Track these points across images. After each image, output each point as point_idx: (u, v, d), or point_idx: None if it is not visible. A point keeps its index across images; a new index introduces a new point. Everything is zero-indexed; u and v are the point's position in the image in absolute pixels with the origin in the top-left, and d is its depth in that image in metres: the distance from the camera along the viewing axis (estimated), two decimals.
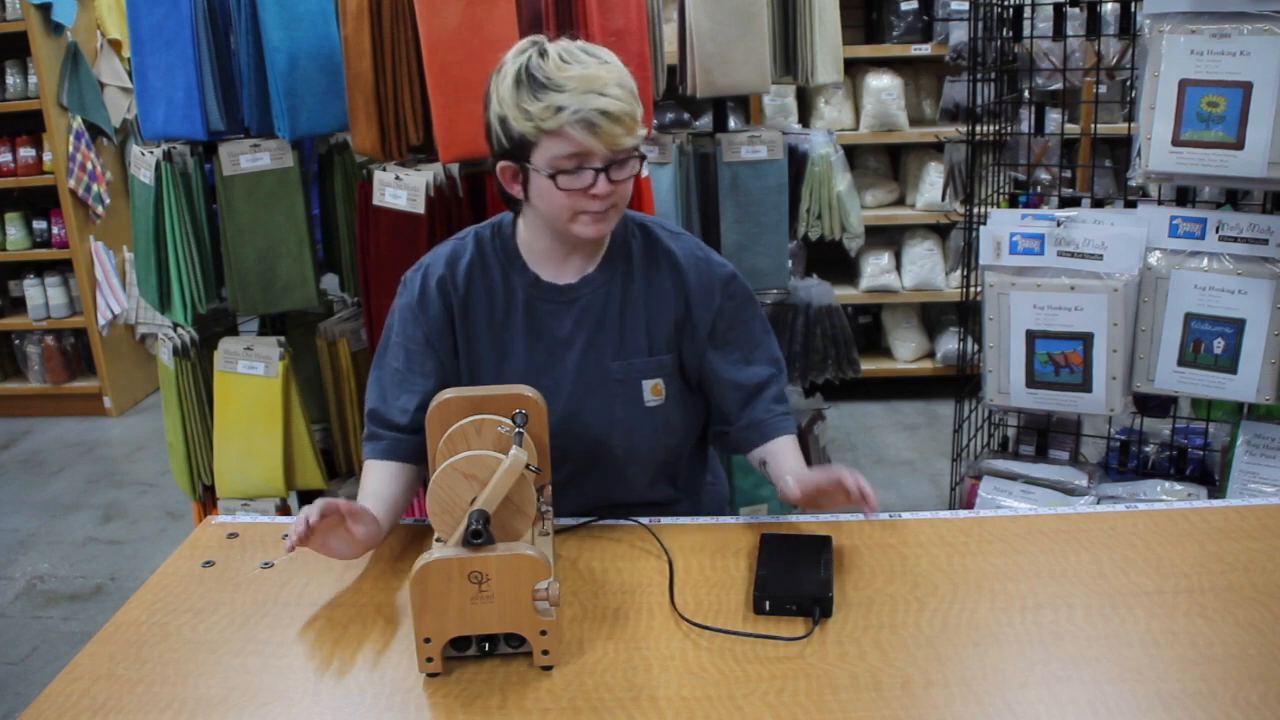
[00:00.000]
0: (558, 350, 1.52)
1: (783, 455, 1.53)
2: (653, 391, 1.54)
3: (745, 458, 1.62)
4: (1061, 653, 1.18)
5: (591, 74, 1.35)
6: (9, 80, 4.31)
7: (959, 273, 2.66)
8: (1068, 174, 2.51)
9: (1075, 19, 2.35)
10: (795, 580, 1.30)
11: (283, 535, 1.44)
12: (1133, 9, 2.25)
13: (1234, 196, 2.12)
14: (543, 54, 1.38)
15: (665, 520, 1.52)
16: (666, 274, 1.54)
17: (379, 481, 1.49)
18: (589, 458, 1.54)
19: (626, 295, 1.53)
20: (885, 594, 1.31)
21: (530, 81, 1.36)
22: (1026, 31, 2.41)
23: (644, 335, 1.53)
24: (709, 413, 1.64)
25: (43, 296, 4.48)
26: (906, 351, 4.30)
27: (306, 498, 2.50)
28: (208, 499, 2.42)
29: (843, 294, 4.08)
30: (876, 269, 4.19)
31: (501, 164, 1.45)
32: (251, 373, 2.26)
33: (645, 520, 1.51)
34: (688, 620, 1.26)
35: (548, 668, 1.17)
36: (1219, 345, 2.05)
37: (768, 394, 1.58)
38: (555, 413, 1.48)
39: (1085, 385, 2.15)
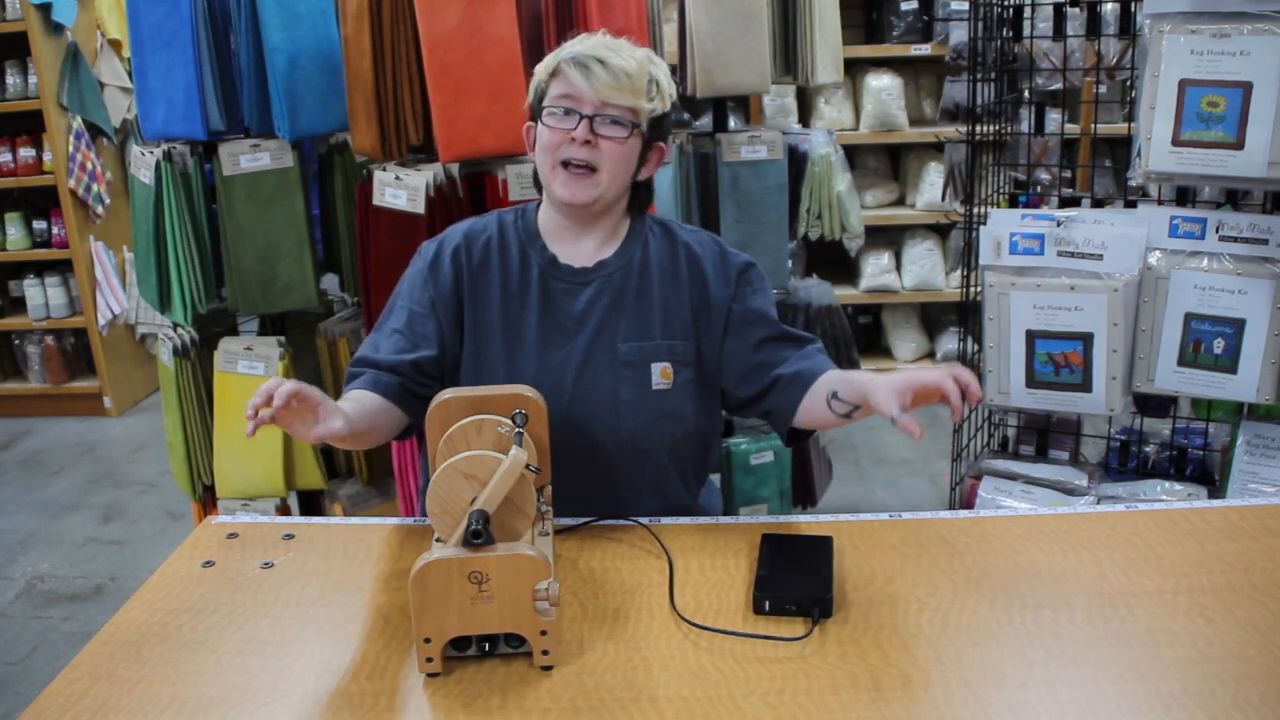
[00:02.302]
0: (569, 328, 1.54)
1: (848, 376, 1.43)
2: (661, 375, 1.54)
3: (811, 408, 1.48)
4: (1061, 653, 1.18)
5: (611, 41, 1.46)
6: (9, 80, 4.31)
7: (959, 273, 2.65)
8: (1068, 174, 2.51)
9: (1075, 19, 2.35)
10: (795, 580, 1.30)
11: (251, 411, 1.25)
12: (1133, 9, 2.25)
13: (1234, 196, 2.12)
14: (588, 34, 1.50)
15: (665, 520, 1.52)
16: (684, 264, 1.57)
17: (353, 400, 1.44)
18: (595, 442, 1.53)
19: (643, 281, 1.55)
20: (885, 594, 1.31)
21: (562, 47, 1.48)
22: (1026, 31, 2.41)
23: (658, 320, 1.54)
24: (729, 406, 1.63)
25: (43, 296, 4.48)
26: (906, 351, 4.30)
27: (306, 498, 2.50)
28: (208, 499, 2.42)
29: (843, 294, 4.08)
30: (876, 269, 4.19)
31: (526, 125, 1.54)
32: (251, 373, 2.26)
33: (645, 520, 1.51)
34: (687, 621, 1.26)
35: (548, 668, 1.17)
36: (1219, 345, 2.05)
37: (798, 353, 1.54)
38: (562, 391, 1.49)
39: (1085, 385, 2.15)
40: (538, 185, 1.57)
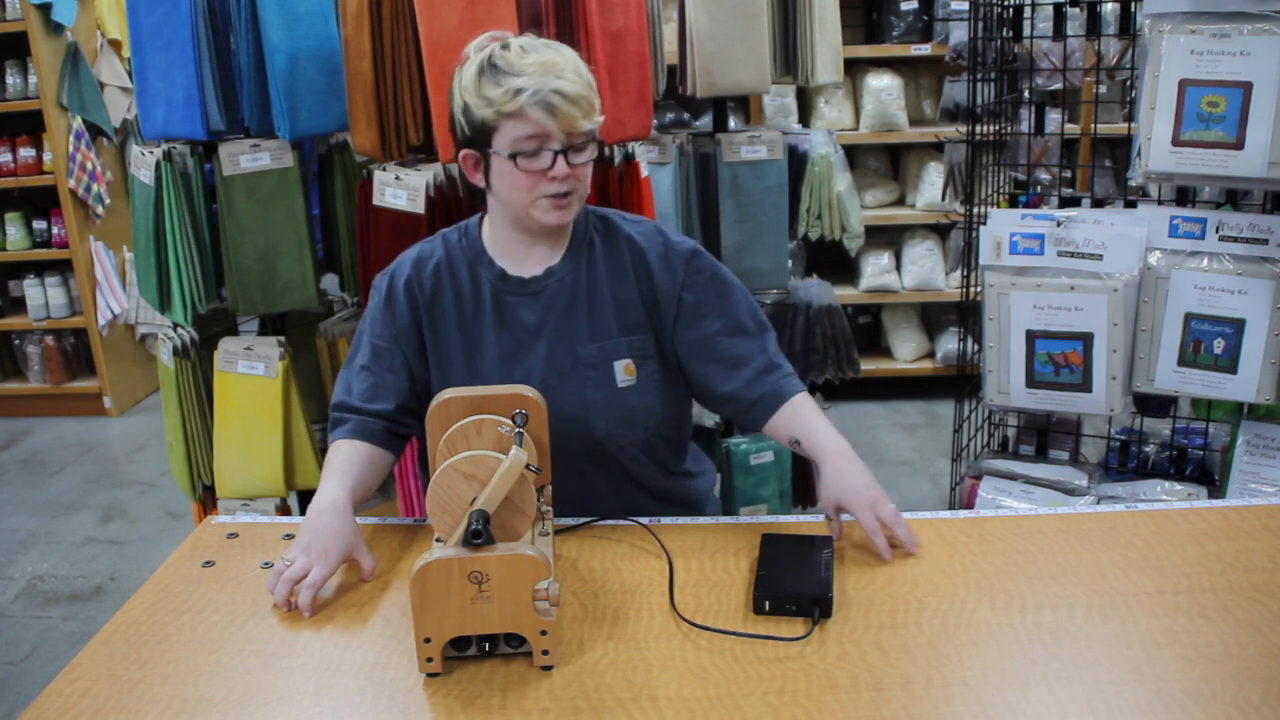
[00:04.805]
0: (527, 340, 1.55)
1: (816, 435, 1.50)
2: (625, 371, 1.55)
3: (774, 431, 1.57)
4: (1061, 653, 1.18)
5: (549, 60, 1.41)
6: (9, 80, 4.31)
7: (959, 273, 2.66)
8: (1068, 174, 2.51)
9: (1075, 19, 2.35)
10: (795, 580, 1.30)
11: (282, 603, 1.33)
12: (1133, 9, 2.25)
13: (1234, 196, 2.12)
14: (505, 46, 1.44)
15: (665, 520, 1.52)
16: (628, 256, 1.57)
17: (344, 458, 1.50)
18: (570, 445, 1.54)
19: (592, 282, 1.56)
20: (885, 594, 1.31)
21: (492, 70, 1.42)
22: (1026, 31, 2.41)
23: (612, 318, 1.55)
24: (695, 396, 1.65)
25: (43, 296, 4.48)
26: (906, 351, 4.30)
27: (306, 498, 2.50)
28: (208, 499, 2.42)
29: (843, 294, 4.08)
30: (876, 269, 4.19)
31: (464, 152, 1.50)
32: (251, 373, 2.26)
33: (645, 520, 1.51)
34: (687, 621, 1.26)
35: (548, 668, 1.17)
36: (1219, 345, 2.05)
37: (756, 363, 1.56)
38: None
39: (1085, 385, 2.15)
40: (478, 199, 1.57)
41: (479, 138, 1.45)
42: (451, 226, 1.63)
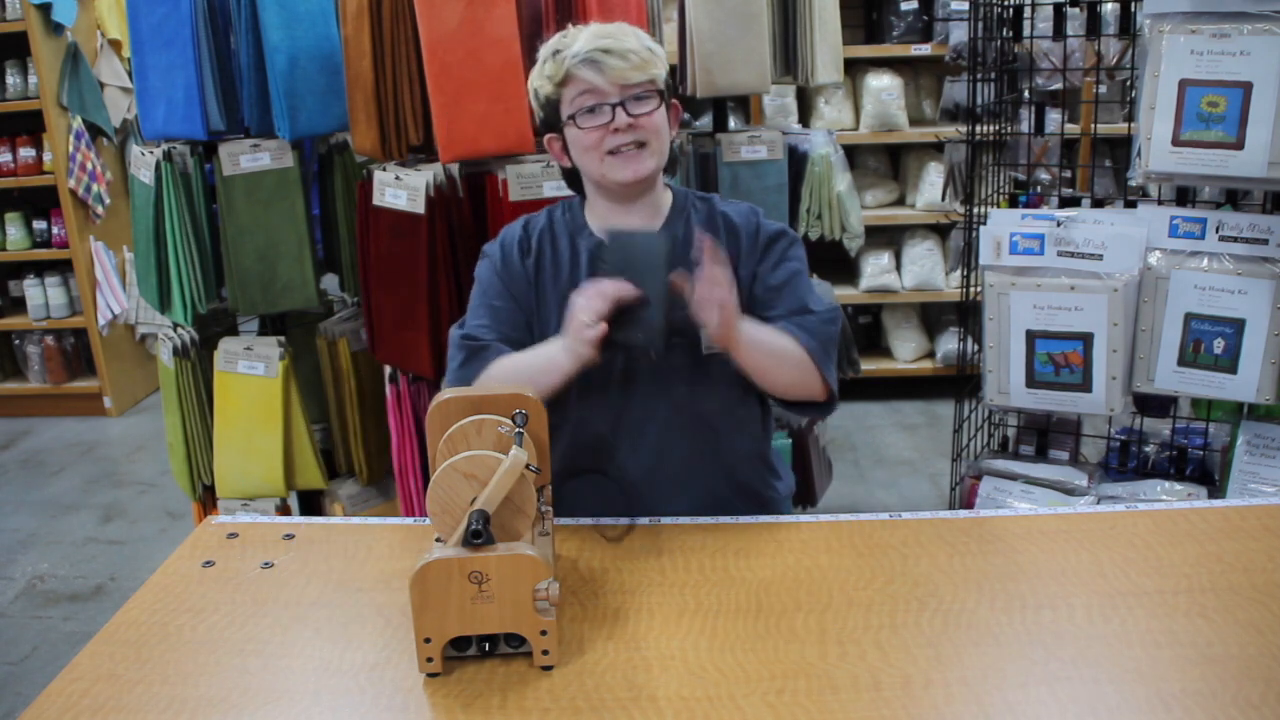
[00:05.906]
0: None
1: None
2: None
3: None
4: (1061, 653, 1.18)
5: (601, 30, 1.49)
6: (9, 80, 4.31)
7: (959, 273, 2.66)
8: (1068, 174, 2.51)
9: (1075, 19, 2.36)
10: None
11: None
12: (1133, 9, 2.25)
13: (1234, 196, 2.12)
14: (565, 35, 1.51)
15: (665, 520, 1.52)
16: (723, 233, 1.60)
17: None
18: (652, 409, 1.55)
19: (688, 252, 1.55)
20: (885, 594, 1.31)
21: (553, 55, 1.51)
22: (1026, 31, 2.41)
23: None
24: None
25: (43, 296, 4.48)
26: (906, 351, 4.30)
27: (306, 498, 2.50)
28: (208, 499, 2.42)
29: (843, 294, 4.08)
30: (876, 269, 4.19)
31: (548, 137, 1.57)
32: (251, 373, 2.26)
33: (645, 520, 1.51)
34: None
35: (548, 668, 1.17)
36: (1219, 345, 2.05)
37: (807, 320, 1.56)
38: (613, 365, 1.52)
39: (1085, 385, 2.15)
40: (574, 185, 1.62)
41: (551, 117, 1.53)
42: (557, 204, 1.67)
